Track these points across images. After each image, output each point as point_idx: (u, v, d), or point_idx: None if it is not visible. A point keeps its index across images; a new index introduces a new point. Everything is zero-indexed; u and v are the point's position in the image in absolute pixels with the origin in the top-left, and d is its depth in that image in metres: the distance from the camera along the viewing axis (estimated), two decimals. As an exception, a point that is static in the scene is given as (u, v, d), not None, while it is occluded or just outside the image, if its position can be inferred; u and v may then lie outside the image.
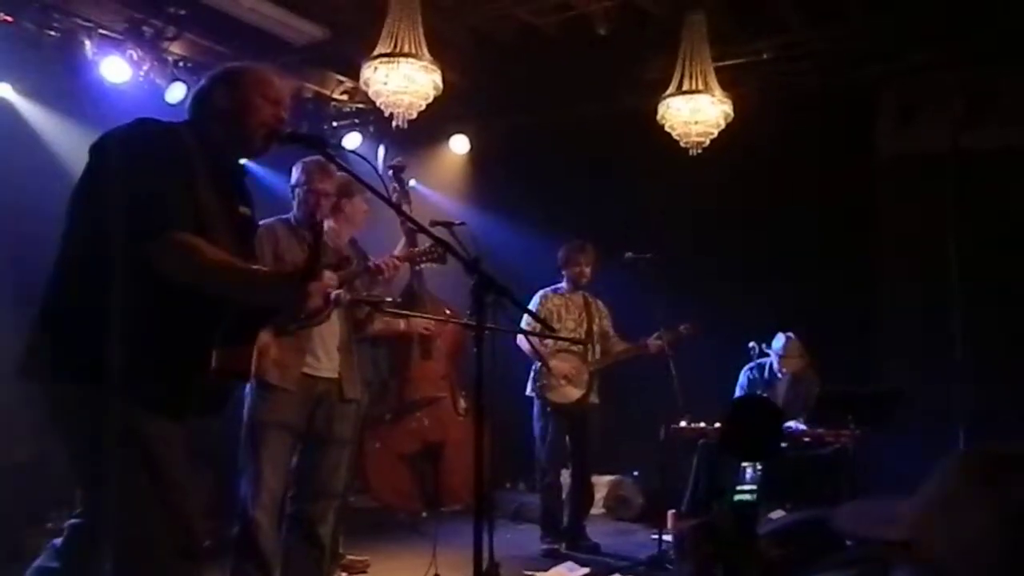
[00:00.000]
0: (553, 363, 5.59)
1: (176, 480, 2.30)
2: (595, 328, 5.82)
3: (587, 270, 5.78)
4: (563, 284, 5.87)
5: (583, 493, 5.86)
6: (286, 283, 2.30)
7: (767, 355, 6.24)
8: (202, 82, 2.60)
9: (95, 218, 2.29)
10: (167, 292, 2.24)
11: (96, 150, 2.37)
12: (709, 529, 1.67)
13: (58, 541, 2.49)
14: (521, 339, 5.53)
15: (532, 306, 5.70)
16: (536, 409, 5.72)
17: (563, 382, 5.62)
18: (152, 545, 2.23)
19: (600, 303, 5.93)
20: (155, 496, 2.24)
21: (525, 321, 5.43)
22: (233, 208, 2.50)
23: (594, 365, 5.72)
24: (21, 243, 4.75)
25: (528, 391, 5.74)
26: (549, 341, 5.63)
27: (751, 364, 6.26)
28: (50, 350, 2.29)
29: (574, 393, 5.62)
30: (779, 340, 6.11)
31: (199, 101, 2.55)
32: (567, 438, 5.72)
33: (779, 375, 6.16)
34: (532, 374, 5.72)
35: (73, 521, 2.48)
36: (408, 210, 4.71)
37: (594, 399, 5.72)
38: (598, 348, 5.82)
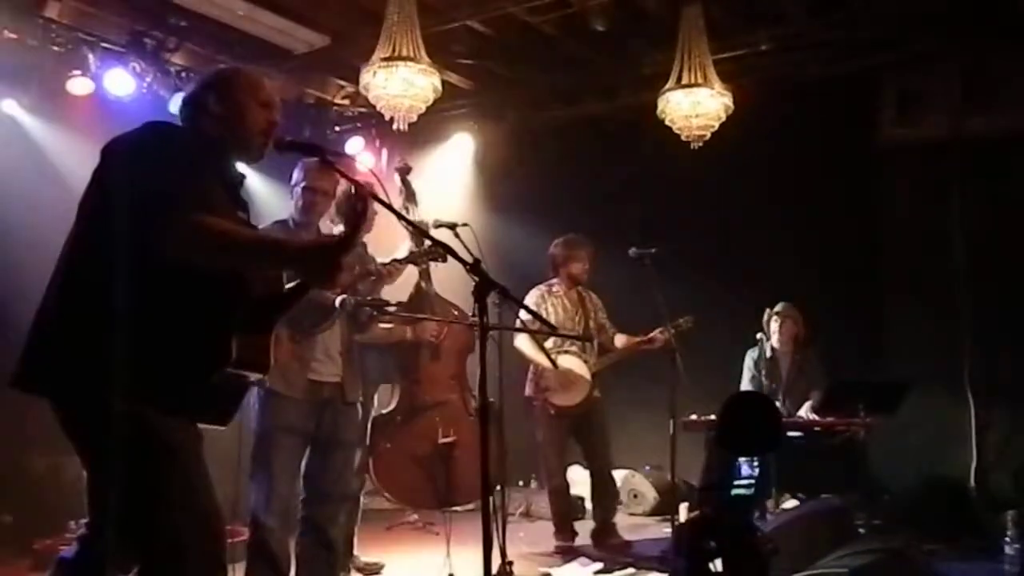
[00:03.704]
0: (559, 363, 5.46)
1: (202, 485, 2.30)
2: (591, 324, 5.71)
3: (589, 267, 5.70)
4: (556, 281, 5.75)
5: (607, 490, 5.70)
6: (320, 252, 2.32)
7: None
8: (192, 87, 2.59)
9: (108, 220, 2.24)
10: (183, 288, 2.22)
11: (108, 153, 2.36)
12: (707, 524, 1.68)
13: (67, 553, 2.48)
14: (521, 343, 5.46)
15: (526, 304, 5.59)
16: (537, 412, 5.58)
17: (566, 384, 5.50)
18: (185, 552, 2.23)
19: (594, 296, 5.82)
20: (185, 502, 2.24)
21: (524, 319, 5.36)
22: (234, 212, 2.50)
23: (597, 365, 5.59)
24: (21, 254, 4.79)
25: (527, 393, 5.61)
26: (551, 342, 5.50)
27: (753, 347, 6.27)
28: (60, 357, 2.25)
29: (578, 395, 5.50)
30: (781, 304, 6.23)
31: (192, 107, 2.53)
32: (574, 439, 5.63)
33: (776, 344, 6.16)
34: (530, 375, 5.61)
35: (83, 532, 2.47)
36: (415, 211, 4.73)
37: (596, 394, 5.60)
38: (596, 344, 5.70)
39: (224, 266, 2.30)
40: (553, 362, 5.45)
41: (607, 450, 5.71)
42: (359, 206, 2.33)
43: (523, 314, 5.24)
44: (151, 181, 2.21)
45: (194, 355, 2.27)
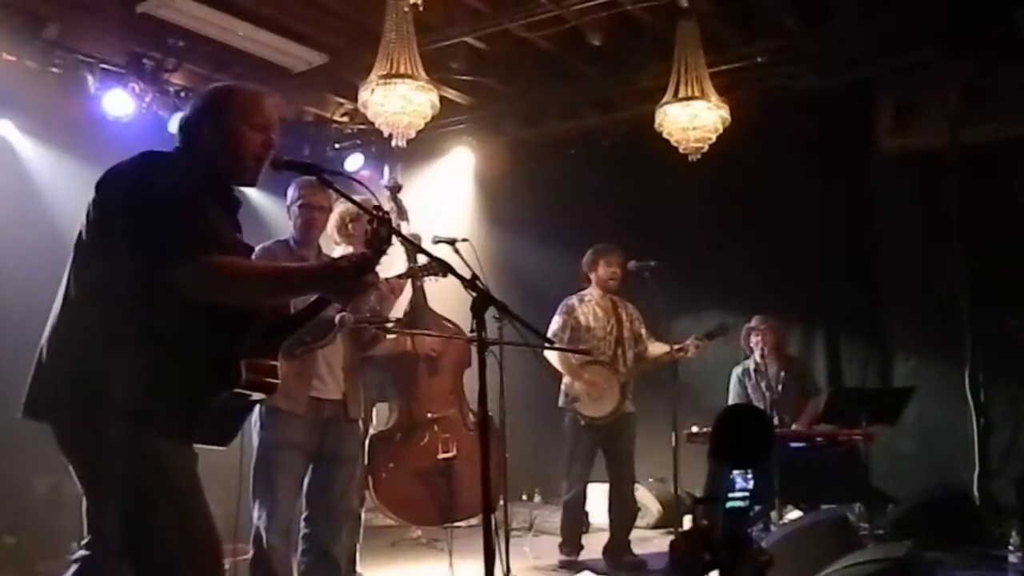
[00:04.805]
0: (586, 376, 5.43)
1: (198, 506, 2.30)
2: (626, 333, 5.61)
3: (619, 271, 5.60)
4: (589, 290, 5.67)
5: (626, 506, 5.63)
6: (337, 274, 2.37)
7: None
8: (187, 111, 2.56)
9: (111, 252, 2.27)
10: (189, 313, 2.23)
11: (105, 185, 2.35)
12: (702, 536, 1.68)
13: (68, 575, 2.48)
14: (550, 355, 5.42)
15: (558, 315, 5.58)
16: (567, 422, 5.53)
17: (594, 395, 5.43)
18: (181, 574, 2.24)
19: (630, 306, 5.71)
20: (181, 524, 2.25)
21: (551, 335, 5.36)
22: (239, 239, 2.50)
23: (626, 376, 5.51)
24: (21, 280, 4.80)
25: (560, 403, 5.58)
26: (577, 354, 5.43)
27: (738, 365, 6.26)
28: (65, 381, 2.27)
29: (606, 406, 5.42)
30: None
31: (186, 133, 2.52)
32: (600, 451, 5.55)
33: (758, 358, 6.13)
34: (563, 387, 5.57)
35: (82, 553, 2.47)
36: (406, 228, 4.76)
37: (628, 408, 5.52)
38: (630, 354, 5.61)
39: (244, 302, 2.34)
40: (563, 377, 5.45)
41: (631, 466, 5.61)
42: (383, 231, 2.36)
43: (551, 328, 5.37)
44: (160, 222, 2.23)
45: (198, 378, 2.28)
